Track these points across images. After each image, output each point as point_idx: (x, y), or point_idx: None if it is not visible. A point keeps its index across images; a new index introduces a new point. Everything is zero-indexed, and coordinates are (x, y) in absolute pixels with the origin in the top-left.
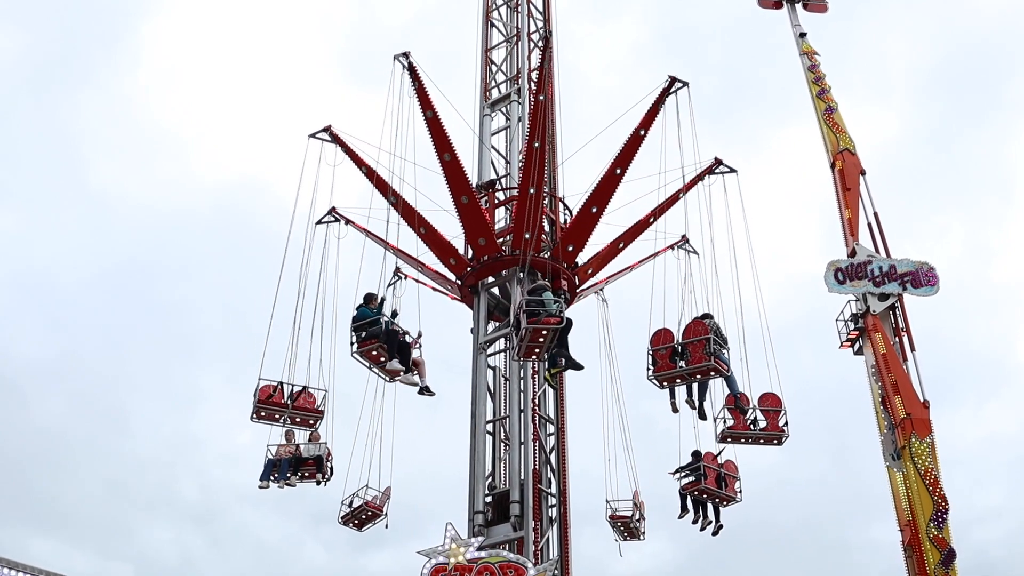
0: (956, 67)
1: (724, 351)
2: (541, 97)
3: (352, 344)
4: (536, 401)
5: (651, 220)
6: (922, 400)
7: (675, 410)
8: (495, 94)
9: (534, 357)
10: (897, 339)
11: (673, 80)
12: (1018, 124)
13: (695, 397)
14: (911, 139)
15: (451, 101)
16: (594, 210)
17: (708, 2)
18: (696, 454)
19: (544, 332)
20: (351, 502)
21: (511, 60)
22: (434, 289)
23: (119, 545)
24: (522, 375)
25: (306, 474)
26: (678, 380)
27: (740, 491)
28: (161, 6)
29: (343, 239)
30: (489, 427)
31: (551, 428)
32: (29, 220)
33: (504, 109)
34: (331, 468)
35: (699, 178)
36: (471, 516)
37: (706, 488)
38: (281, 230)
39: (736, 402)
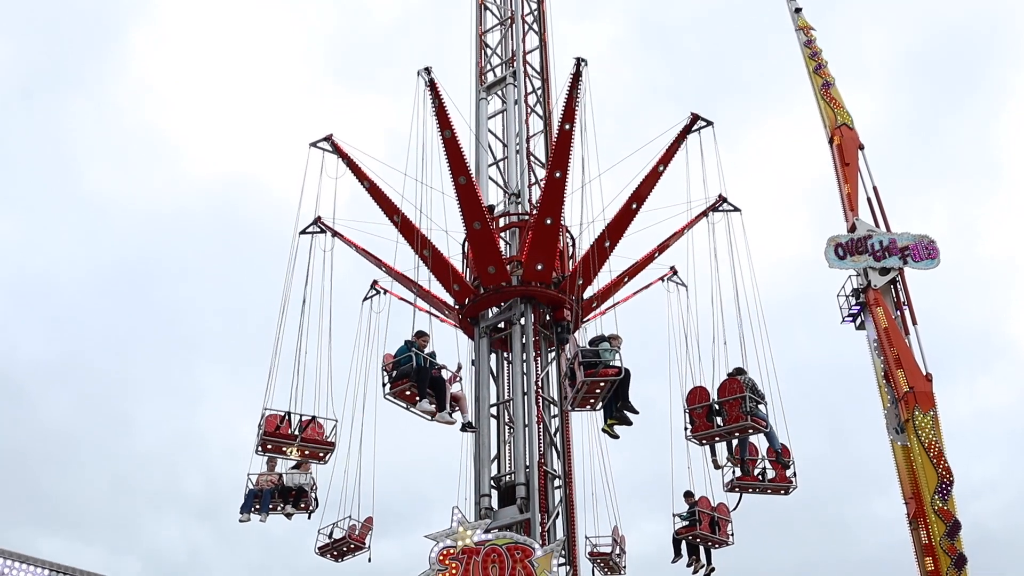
0: (934, 51)
1: (761, 407)
2: (567, 127)
3: (384, 385)
4: (539, 383)
5: (656, 255)
6: (924, 373)
7: (717, 467)
8: (490, 78)
9: (587, 408)
10: (898, 313)
11: (696, 118)
12: (999, 106)
13: (735, 453)
14: (891, 124)
15: (453, 107)
16: (607, 244)
17: None
18: (688, 494)
19: (602, 384)
20: (331, 532)
21: (505, 43)
22: (420, 309)
23: (127, 541)
24: (524, 357)
25: (290, 505)
26: (717, 438)
27: (732, 534)
28: (149, 11)
29: (333, 250)
30: (493, 411)
31: (555, 410)
32: (26, 225)
33: (500, 92)
34: (316, 499)
35: (703, 215)
36: (477, 500)
37: (700, 533)
38: (276, 229)
39: (777, 457)
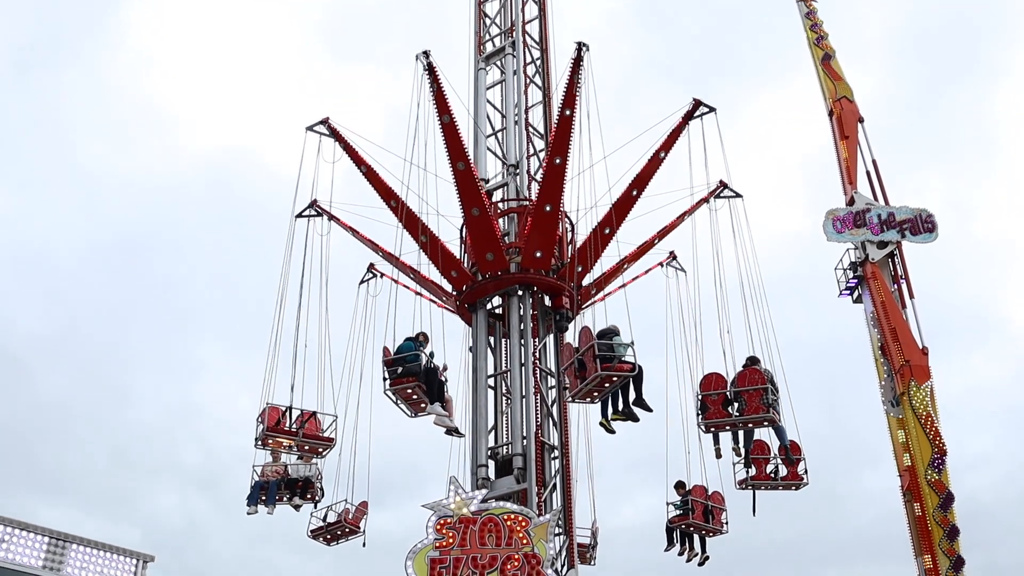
0: (932, 30)
1: (777, 400)
2: (568, 112)
3: (385, 379)
4: (537, 355)
5: (656, 241)
6: (921, 347)
7: (719, 456)
8: (489, 48)
9: (587, 400)
10: (896, 287)
11: (698, 104)
12: (996, 85)
13: (741, 444)
14: (888, 101)
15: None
16: (607, 231)
17: None
18: (679, 485)
19: (614, 379)
20: (325, 515)
21: (504, 13)
22: (415, 292)
23: (126, 511)
24: (522, 328)
25: (297, 496)
26: (727, 428)
27: (726, 522)
28: None
29: (329, 234)
30: (490, 382)
31: (552, 381)
32: (22, 199)
33: (499, 63)
34: (322, 489)
35: (703, 201)
36: (474, 470)
37: (693, 522)
38: (272, 203)
39: (787, 453)
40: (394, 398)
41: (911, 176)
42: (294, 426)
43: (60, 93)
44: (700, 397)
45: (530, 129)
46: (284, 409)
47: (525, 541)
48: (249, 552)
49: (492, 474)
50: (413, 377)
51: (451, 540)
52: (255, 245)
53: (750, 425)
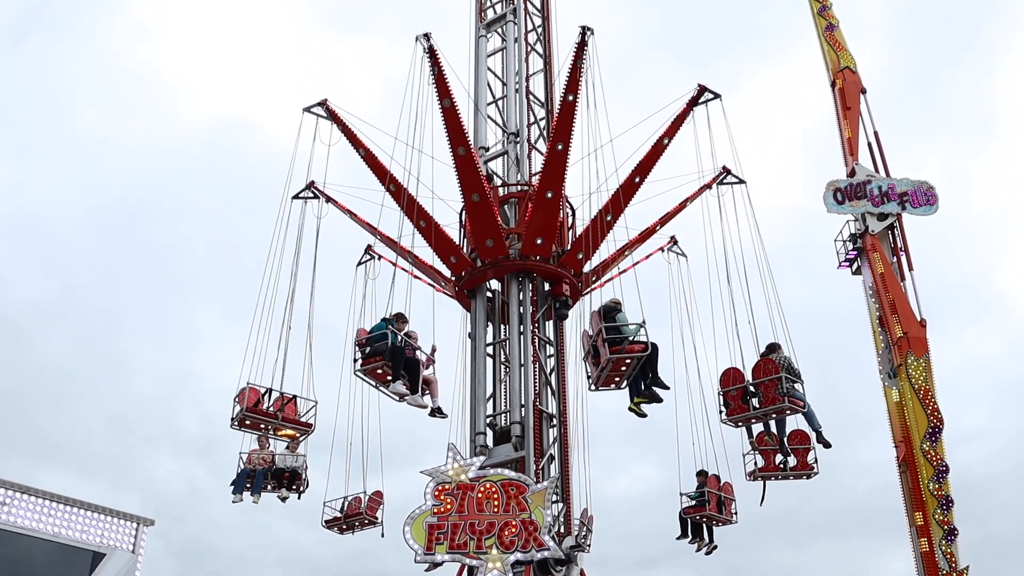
0: (933, 5)
1: (798, 386)
2: (571, 98)
3: (356, 361)
4: (536, 323)
5: (658, 228)
6: (919, 319)
7: (754, 448)
8: (490, 15)
9: (612, 387)
10: (895, 259)
11: (703, 89)
12: (996, 61)
13: (774, 432)
14: (888, 76)
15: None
16: (608, 218)
17: None
18: (701, 473)
19: (628, 361)
20: (343, 506)
21: None
22: (414, 276)
23: (125, 477)
24: (521, 298)
25: (282, 485)
26: (754, 420)
27: (736, 512)
28: None
29: (327, 216)
30: (489, 350)
31: (550, 350)
32: (20, 167)
33: (500, 30)
34: (307, 481)
35: (706, 187)
36: (473, 437)
37: (709, 514)
38: (269, 171)
39: (819, 436)
40: (365, 378)
41: (910, 150)
42: (272, 408)
43: (58, 61)
44: (721, 393)
45: (531, 97)
46: (264, 391)
47: (522, 508)
48: (247, 518)
49: (490, 442)
50: (380, 356)
51: (449, 506)
52: (253, 213)
53: (774, 415)
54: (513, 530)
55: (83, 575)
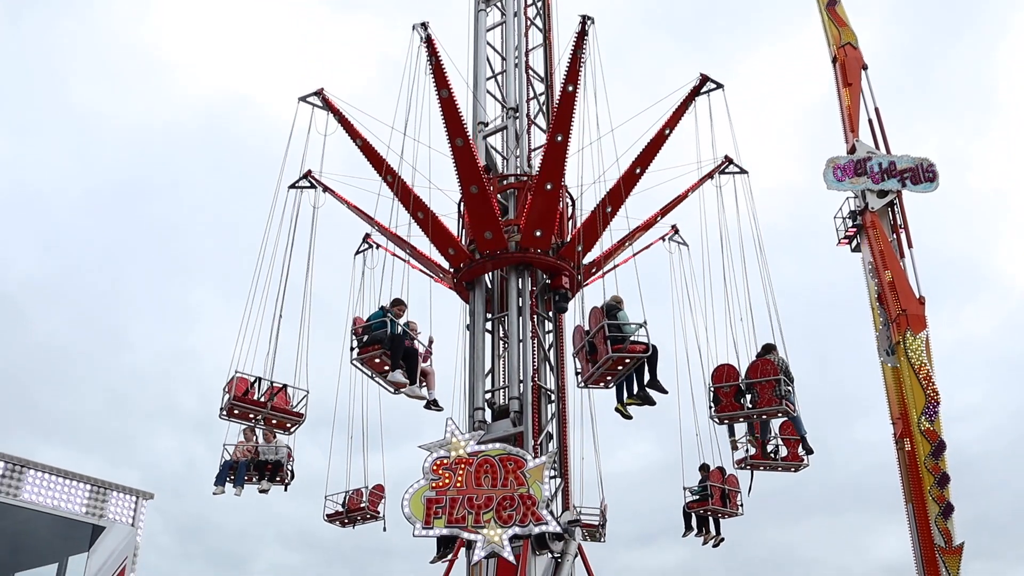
0: None
1: (791, 389)
2: (571, 88)
3: (353, 349)
4: (534, 301)
5: (659, 218)
6: (918, 296)
7: (735, 448)
8: None
9: (600, 385)
10: (895, 236)
11: (705, 79)
12: (997, 39)
13: (758, 434)
14: (887, 54)
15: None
16: (608, 210)
17: None
18: (704, 467)
19: (627, 361)
20: (344, 500)
21: None
22: (413, 266)
23: (124, 453)
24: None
25: (266, 480)
26: (741, 419)
27: (742, 504)
28: None
29: (323, 206)
30: (488, 325)
31: (549, 326)
32: (18, 143)
33: (499, 4)
34: (292, 472)
35: (708, 177)
36: (471, 412)
37: (712, 507)
38: (266, 149)
39: (803, 442)
40: (363, 368)
41: (908, 128)
42: (262, 398)
43: (56, 38)
44: (712, 389)
45: (530, 72)
46: (253, 380)
47: (520, 482)
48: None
49: (488, 417)
50: (378, 344)
51: (447, 480)
52: (252, 192)
53: (764, 416)
54: (511, 504)
55: (83, 548)
